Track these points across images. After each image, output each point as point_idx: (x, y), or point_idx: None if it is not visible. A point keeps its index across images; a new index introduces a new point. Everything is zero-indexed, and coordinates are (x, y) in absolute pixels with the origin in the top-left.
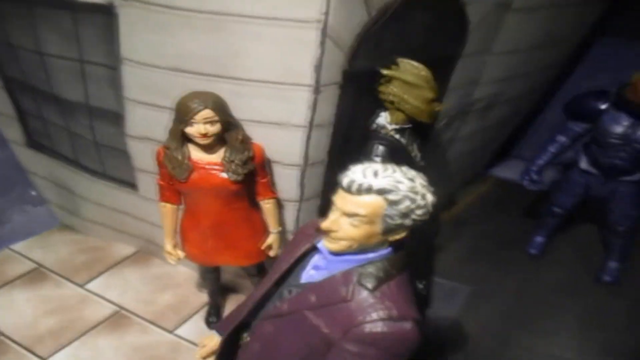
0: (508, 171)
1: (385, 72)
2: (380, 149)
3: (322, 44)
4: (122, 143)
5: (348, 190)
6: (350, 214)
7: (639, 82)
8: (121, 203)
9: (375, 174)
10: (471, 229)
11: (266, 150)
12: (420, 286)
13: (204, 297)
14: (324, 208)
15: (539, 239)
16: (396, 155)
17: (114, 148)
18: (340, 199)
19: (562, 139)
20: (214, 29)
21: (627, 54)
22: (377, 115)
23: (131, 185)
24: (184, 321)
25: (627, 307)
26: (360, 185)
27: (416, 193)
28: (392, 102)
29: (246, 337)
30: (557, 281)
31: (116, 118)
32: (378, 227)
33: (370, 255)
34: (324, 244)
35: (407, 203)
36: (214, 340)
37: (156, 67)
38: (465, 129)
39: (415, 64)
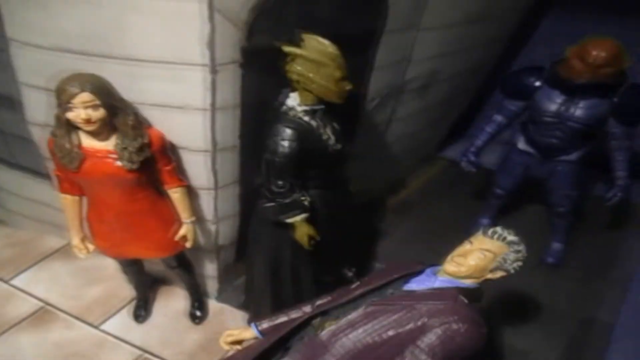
0: (459, 152)
1: (285, 49)
2: (287, 132)
3: (211, 18)
4: (26, 131)
5: (488, 235)
6: (485, 249)
7: (573, 57)
8: (40, 194)
9: (509, 233)
10: (417, 212)
11: (169, 136)
12: (350, 274)
13: (133, 291)
14: (246, 196)
15: (484, 221)
16: (306, 140)
17: (20, 137)
18: (479, 240)
19: (498, 118)
20: (91, 2)
21: (580, 26)
22: (286, 96)
23: (44, 175)
24: (111, 316)
25: (569, 289)
26: (499, 234)
27: (523, 251)
28: (297, 82)
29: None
30: None
31: (15, 104)
32: (492, 264)
33: (467, 283)
34: (443, 268)
35: (517, 255)
36: (247, 332)
37: (41, 47)
38: (402, 109)
39: (321, 40)
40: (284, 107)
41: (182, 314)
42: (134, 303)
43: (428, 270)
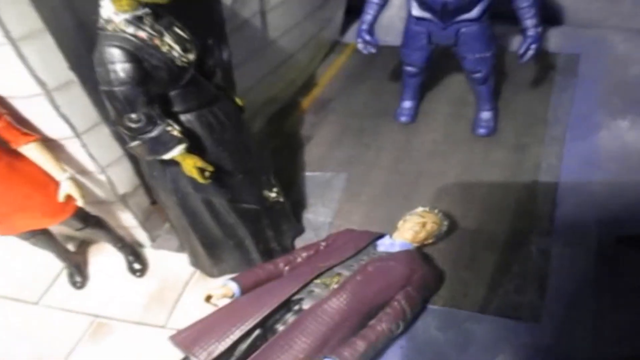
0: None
1: None
2: (114, 53)
3: None
4: None
5: (435, 212)
6: (434, 222)
7: None
8: None
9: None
10: (336, 108)
11: None
12: (273, 195)
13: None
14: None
15: (407, 104)
16: (142, 57)
17: None
18: (429, 216)
19: None
20: None
21: None
22: (98, 6)
23: None
24: (47, 289)
25: (504, 158)
26: (439, 210)
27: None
28: None
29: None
30: (434, 144)
31: None
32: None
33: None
34: (401, 235)
35: (446, 228)
36: (226, 289)
37: None
38: None
39: None
40: (100, 22)
41: (122, 270)
42: (65, 272)
43: (387, 237)
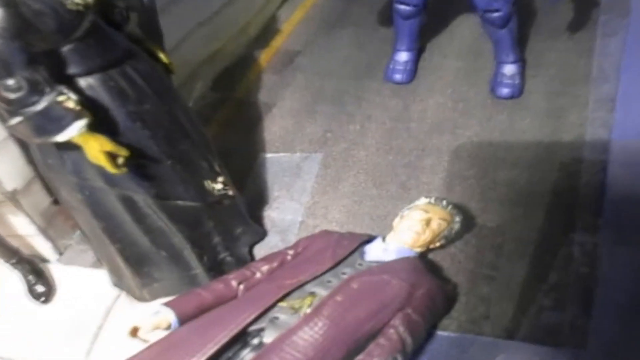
0: None
1: None
2: None
3: None
4: None
5: (442, 204)
6: (442, 218)
7: None
8: None
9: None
10: (305, 65)
11: None
12: (218, 187)
13: None
14: None
15: (402, 57)
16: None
17: None
18: (434, 210)
19: None
20: None
21: None
22: None
23: None
24: None
25: (534, 127)
26: (447, 202)
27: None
28: None
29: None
30: (439, 111)
31: None
32: (444, 233)
33: (416, 251)
34: (398, 237)
35: (459, 225)
36: (160, 319)
37: None
38: None
39: None
40: None
41: (20, 294)
42: None
43: (378, 240)
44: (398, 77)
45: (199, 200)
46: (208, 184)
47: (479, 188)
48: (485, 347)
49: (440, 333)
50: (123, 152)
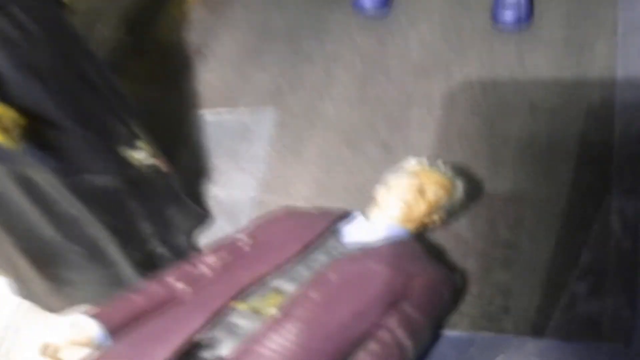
0: None
1: None
2: None
3: None
4: None
5: (440, 168)
6: (440, 184)
7: None
8: None
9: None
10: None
11: None
12: (140, 156)
13: None
14: None
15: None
16: None
17: None
18: (427, 174)
19: None
20: None
21: None
22: None
23: None
24: None
25: (549, 63)
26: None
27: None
28: None
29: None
30: (427, 46)
31: None
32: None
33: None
34: (387, 213)
35: (461, 194)
36: (81, 333)
37: None
38: None
39: None
40: None
41: None
42: None
43: (358, 217)
44: (369, 4)
45: (114, 174)
46: (127, 152)
47: (485, 145)
48: (504, 348)
49: (448, 333)
50: (20, 120)
